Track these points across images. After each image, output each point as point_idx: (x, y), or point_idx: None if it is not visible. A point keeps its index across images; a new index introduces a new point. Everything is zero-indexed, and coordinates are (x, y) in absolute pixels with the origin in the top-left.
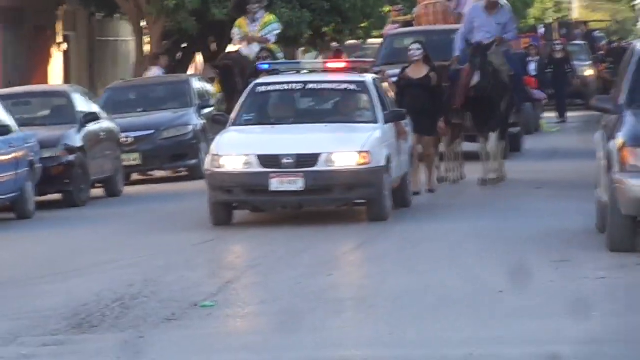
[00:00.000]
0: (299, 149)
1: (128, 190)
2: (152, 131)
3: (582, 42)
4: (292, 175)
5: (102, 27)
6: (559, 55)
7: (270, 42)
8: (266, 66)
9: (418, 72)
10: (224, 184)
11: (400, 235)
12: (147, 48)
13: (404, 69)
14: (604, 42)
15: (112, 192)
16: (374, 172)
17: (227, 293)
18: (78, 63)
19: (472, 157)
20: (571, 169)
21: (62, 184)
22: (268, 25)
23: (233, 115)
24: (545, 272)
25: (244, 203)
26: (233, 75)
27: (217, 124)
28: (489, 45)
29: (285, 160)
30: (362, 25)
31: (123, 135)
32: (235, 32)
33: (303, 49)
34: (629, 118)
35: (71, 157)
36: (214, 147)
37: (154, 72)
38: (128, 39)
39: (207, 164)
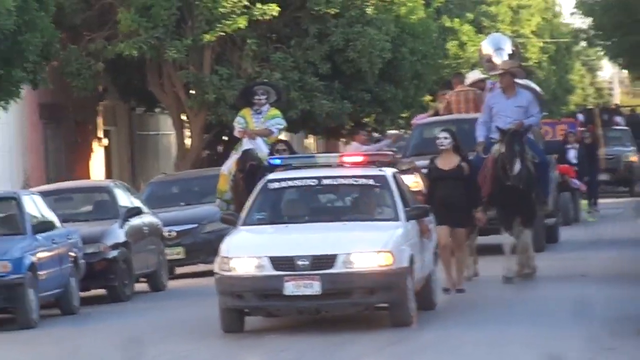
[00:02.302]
0: (315, 249)
1: (172, 284)
2: (195, 225)
3: (625, 128)
4: (307, 278)
5: (142, 121)
6: (587, 142)
7: (274, 135)
8: (278, 161)
9: (448, 162)
10: (234, 289)
11: (429, 340)
12: (188, 142)
13: (432, 160)
14: None
15: (156, 286)
16: (396, 273)
17: None
18: (119, 157)
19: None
20: (616, 257)
21: (106, 279)
22: (272, 119)
23: (243, 214)
24: None
25: (256, 309)
26: (259, 176)
27: (227, 224)
28: (525, 131)
29: (300, 262)
30: (403, 115)
31: (166, 229)
32: (239, 120)
33: (344, 140)
34: None
35: (114, 252)
36: (223, 249)
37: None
38: (169, 132)
39: (216, 267)
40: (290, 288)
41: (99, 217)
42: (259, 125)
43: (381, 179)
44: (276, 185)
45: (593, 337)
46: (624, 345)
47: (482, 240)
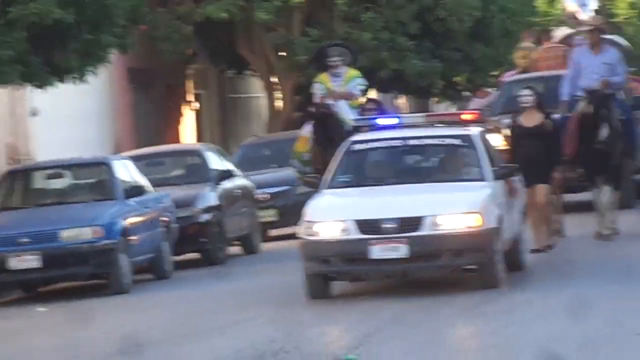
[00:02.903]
0: (401, 212)
1: (266, 246)
2: (288, 187)
3: None
4: (394, 241)
5: (232, 84)
6: None
7: (356, 96)
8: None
9: (531, 119)
10: (319, 254)
11: (518, 302)
12: (278, 104)
13: (515, 117)
14: None
15: (250, 249)
16: (484, 234)
17: (369, 346)
18: (210, 121)
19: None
20: None
21: (198, 243)
22: (352, 80)
23: (327, 176)
24: None
25: (342, 273)
26: (331, 124)
27: (309, 187)
28: (613, 94)
29: (386, 225)
30: (494, 73)
31: (259, 191)
32: (317, 87)
33: (436, 99)
34: None
35: (207, 216)
36: (308, 213)
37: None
38: (259, 95)
39: (301, 231)
40: (377, 251)
41: (191, 181)
42: (340, 89)
43: (467, 139)
44: (360, 146)
45: None
46: None
47: (571, 197)
